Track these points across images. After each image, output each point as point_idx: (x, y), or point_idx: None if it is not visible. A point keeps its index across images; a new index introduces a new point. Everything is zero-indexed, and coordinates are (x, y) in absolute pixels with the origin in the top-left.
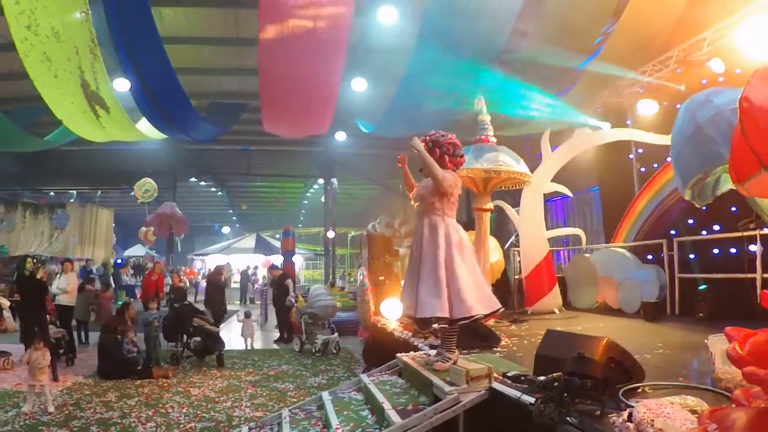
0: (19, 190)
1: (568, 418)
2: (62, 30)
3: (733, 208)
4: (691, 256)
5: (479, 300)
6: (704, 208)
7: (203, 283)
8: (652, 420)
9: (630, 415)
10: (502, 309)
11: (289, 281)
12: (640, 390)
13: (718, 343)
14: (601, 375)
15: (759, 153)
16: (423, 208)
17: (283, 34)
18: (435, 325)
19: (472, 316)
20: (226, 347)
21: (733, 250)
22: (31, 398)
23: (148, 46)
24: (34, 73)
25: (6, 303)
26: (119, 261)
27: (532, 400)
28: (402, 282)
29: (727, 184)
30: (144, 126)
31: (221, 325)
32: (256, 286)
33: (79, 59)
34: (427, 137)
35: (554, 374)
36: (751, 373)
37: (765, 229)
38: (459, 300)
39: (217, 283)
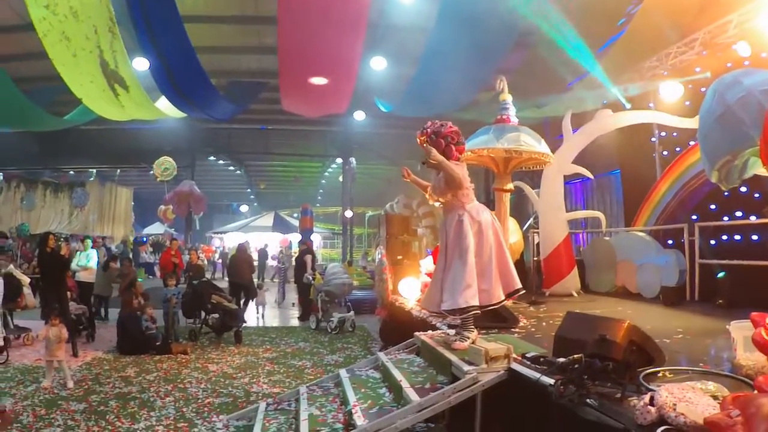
0: (39, 169)
1: (588, 401)
2: (80, 9)
3: (756, 195)
4: (713, 241)
5: (505, 284)
6: (727, 193)
7: (220, 261)
8: (674, 404)
9: (652, 398)
10: (523, 290)
11: (308, 257)
12: (660, 374)
13: (740, 330)
14: (622, 358)
15: None
16: (444, 207)
17: (302, 12)
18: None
19: (500, 302)
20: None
21: (755, 237)
22: (50, 373)
23: (167, 25)
24: (53, 52)
25: (26, 280)
26: (143, 239)
27: (551, 381)
28: (423, 269)
29: (755, 167)
30: (163, 104)
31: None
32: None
33: (98, 38)
34: (428, 129)
35: (574, 356)
36: None
37: None
38: (487, 287)
39: (246, 260)
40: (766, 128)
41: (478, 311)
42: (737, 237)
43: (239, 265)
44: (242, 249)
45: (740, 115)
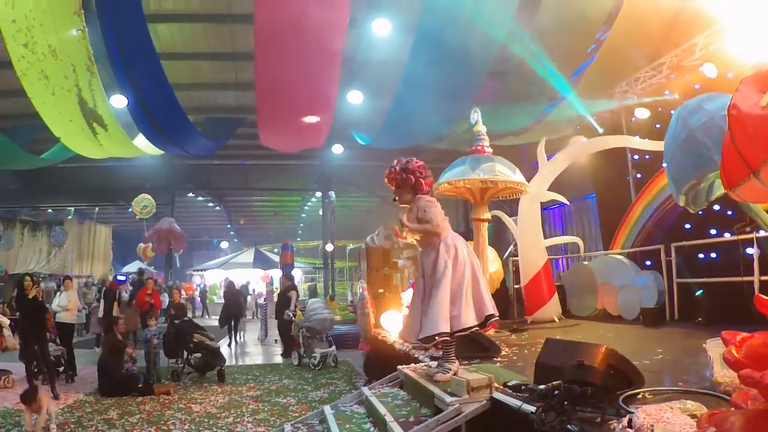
0: (17, 207)
1: (569, 426)
2: (59, 48)
3: (729, 212)
4: (689, 260)
5: (478, 310)
6: (700, 212)
7: (200, 299)
8: (652, 425)
9: (630, 421)
10: (497, 317)
11: (293, 293)
12: (640, 396)
13: (716, 347)
14: (601, 382)
15: (748, 159)
16: (422, 241)
17: (278, 48)
18: (437, 337)
19: (469, 328)
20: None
21: (729, 254)
22: (31, 417)
23: (145, 63)
24: (32, 91)
25: (6, 321)
26: (123, 278)
27: (533, 409)
28: (404, 301)
29: (720, 190)
30: (141, 142)
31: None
32: (259, 300)
33: (77, 77)
34: (396, 168)
35: (554, 383)
36: (748, 376)
37: (760, 231)
38: (457, 313)
39: (239, 292)
40: (725, 152)
41: (448, 338)
42: (713, 255)
43: (237, 296)
44: (232, 284)
45: (703, 140)
